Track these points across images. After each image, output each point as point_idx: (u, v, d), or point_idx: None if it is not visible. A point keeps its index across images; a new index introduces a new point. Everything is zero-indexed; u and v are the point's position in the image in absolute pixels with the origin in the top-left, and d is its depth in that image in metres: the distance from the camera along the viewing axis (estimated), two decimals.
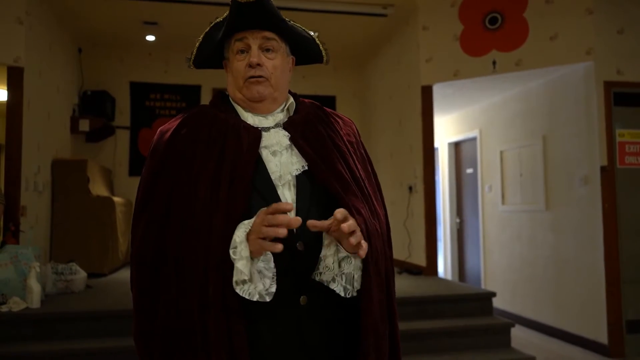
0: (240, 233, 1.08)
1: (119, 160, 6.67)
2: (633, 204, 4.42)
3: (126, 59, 6.72)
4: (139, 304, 1.21)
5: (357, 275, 1.15)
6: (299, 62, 1.40)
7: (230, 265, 1.07)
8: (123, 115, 6.71)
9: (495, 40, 4.87)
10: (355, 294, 1.16)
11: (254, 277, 1.07)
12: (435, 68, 5.18)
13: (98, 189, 5.59)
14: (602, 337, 4.32)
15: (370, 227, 1.17)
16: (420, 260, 5.25)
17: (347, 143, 1.32)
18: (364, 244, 1.07)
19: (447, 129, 7.30)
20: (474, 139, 6.61)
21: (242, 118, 1.28)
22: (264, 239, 1.03)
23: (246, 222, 1.09)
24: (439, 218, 7.12)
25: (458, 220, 7.13)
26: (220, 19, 1.33)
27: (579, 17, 4.53)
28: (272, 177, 1.19)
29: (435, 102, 5.48)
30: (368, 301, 1.14)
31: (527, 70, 4.75)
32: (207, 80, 6.98)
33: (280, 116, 1.30)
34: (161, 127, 1.30)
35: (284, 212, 1.02)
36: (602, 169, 4.38)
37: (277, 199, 1.16)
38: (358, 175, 1.26)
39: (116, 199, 5.54)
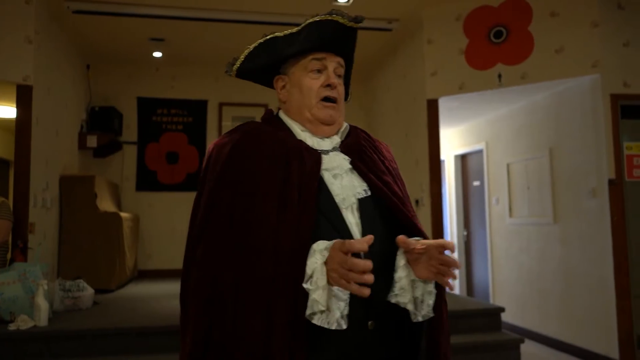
0: (313, 262, 1.05)
1: (127, 175, 6.71)
2: None
3: (133, 74, 6.79)
4: (194, 325, 1.12)
5: (429, 300, 1.14)
6: None
7: (301, 294, 1.04)
8: (130, 130, 6.76)
9: (501, 54, 4.88)
10: (420, 318, 1.14)
11: (330, 304, 1.04)
12: (440, 81, 5.18)
13: (105, 204, 5.62)
14: (614, 352, 4.27)
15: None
16: None
17: (391, 168, 1.34)
18: (454, 277, 1.09)
19: (453, 142, 7.29)
20: (480, 152, 6.59)
21: (299, 138, 1.27)
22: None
23: (317, 248, 1.06)
24: (446, 231, 7.08)
25: (465, 233, 7.09)
26: (281, 34, 1.32)
27: (584, 30, 4.53)
28: (336, 199, 1.18)
29: (441, 115, 5.49)
30: (441, 328, 1.15)
31: (533, 83, 4.75)
32: (214, 95, 7.03)
33: (336, 139, 1.31)
34: (216, 142, 1.28)
35: (360, 251, 0.99)
36: (610, 181, 4.35)
37: (343, 222, 1.16)
38: (407, 198, 1.30)
39: (123, 214, 5.56)
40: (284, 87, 1.33)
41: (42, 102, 4.71)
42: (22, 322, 3.40)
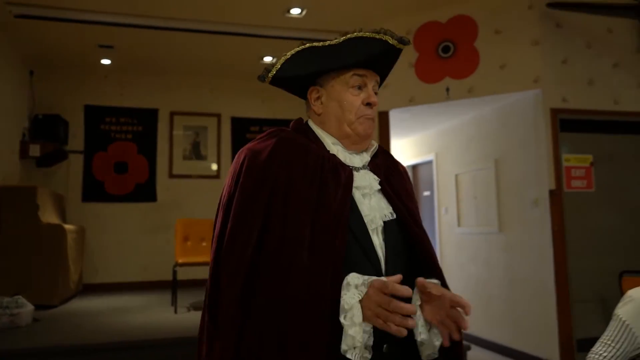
0: (350, 297, 1.05)
1: (72, 185, 6.48)
2: (580, 225, 4.60)
3: (81, 82, 6.58)
4: (221, 340, 1.09)
5: (435, 341, 1.15)
6: None
7: (335, 324, 1.04)
8: (77, 139, 6.54)
9: (449, 68, 5.03)
10: (424, 358, 1.16)
11: (363, 339, 1.05)
12: (391, 94, 5.29)
13: (48, 216, 5.40)
14: (555, 356, 4.44)
15: (445, 282, 1.22)
16: None
17: (411, 189, 1.37)
18: (457, 338, 1.09)
19: (404, 152, 7.44)
20: (430, 162, 6.75)
21: (332, 151, 1.26)
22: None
23: (352, 281, 1.06)
24: None
25: None
26: (319, 44, 1.30)
27: (526, 47, 4.74)
28: (365, 219, 1.18)
29: (393, 126, 5.59)
30: None
31: (479, 97, 4.92)
32: (165, 104, 6.91)
33: (366, 157, 1.31)
34: (249, 147, 1.24)
35: (405, 296, 0.99)
36: (551, 192, 4.55)
37: (371, 244, 1.16)
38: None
39: (67, 226, 5.35)
40: (318, 98, 1.31)
41: None
42: None
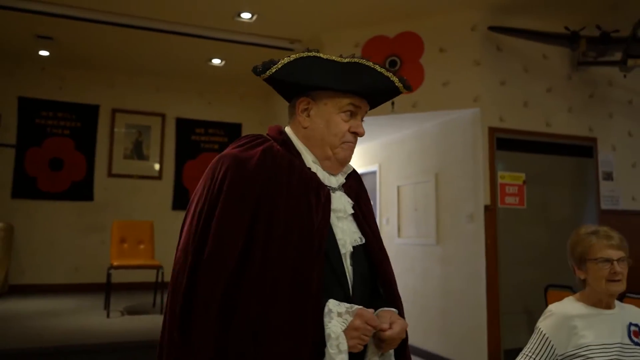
0: (335, 325, 1.07)
1: (2, 180, 6.14)
2: (511, 240, 4.82)
3: (15, 72, 6.27)
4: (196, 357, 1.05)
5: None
6: None
7: (314, 350, 1.06)
8: (9, 132, 6.22)
9: None
10: None
11: None
12: None
13: None
14: None
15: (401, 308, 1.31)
16: None
17: (373, 212, 1.39)
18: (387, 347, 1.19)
19: (351, 161, 7.53)
20: (374, 173, 6.88)
21: (309, 166, 1.26)
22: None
23: (334, 309, 1.09)
24: None
25: None
26: (324, 56, 1.28)
27: (468, 67, 4.93)
28: (338, 243, 1.19)
29: None
30: None
31: (422, 112, 5.07)
32: (107, 101, 6.69)
33: (341, 178, 1.33)
34: (231, 154, 1.19)
35: (379, 329, 1.11)
36: (486, 207, 4.75)
37: (343, 269, 1.17)
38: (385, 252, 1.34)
39: None
40: (306, 110, 1.29)
41: None
42: None
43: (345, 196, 1.27)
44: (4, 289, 5.56)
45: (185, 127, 7.09)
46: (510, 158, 4.94)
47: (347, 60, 1.28)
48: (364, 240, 1.24)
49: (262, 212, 1.12)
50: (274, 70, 1.25)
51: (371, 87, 1.27)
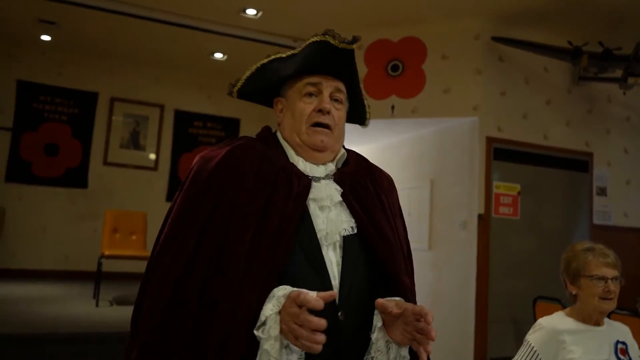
0: (269, 309, 0.98)
1: None
2: (503, 250, 4.85)
3: (15, 55, 6.23)
4: (146, 342, 1.05)
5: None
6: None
7: (255, 340, 0.98)
8: (5, 115, 6.18)
9: (396, 87, 5.17)
10: None
11: (282, 356, 0.98)
12: None
13: None
14: None
15: (411, 299, 1.16)
16: None
17: (389, 199, 1.28)
18: (429, 351, 1.02)
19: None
20: None
21: (292, 161, 1.20)
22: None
23: (277, 292, 1.00)
24: None
25: None
26: (284, 55, 1.26)
27: (469, 75, 4.95)
28: (318, 235, 1.11)
29: None
30: None
31: (422, 118, 5.08)
32: (106, 89, 6.67)
33: (331, 166, 1.24)
34: (203, 154, 1.19)
35: (315, 308, 0.91)
36: (480, 216, 4.77)
37: (321, 259, 1.09)
38: (399, 236, 1.25)
39: None
40: (281, 110, 1.27)
41: None
42: None
43: (334, 185, 1.18)
44: None
45: (183, 119, 7.07)
46: (506, 168, 4.96)
47: (302, 46, 1.24)
48: (355, 230, 1.14)
49: (222, 207, 1.09)
50: (239, 86, 1.27)
51: (313, 59, 1.20)
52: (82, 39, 5.98)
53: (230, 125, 7.20)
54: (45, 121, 6.36)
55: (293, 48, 4.65)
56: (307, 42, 1.22)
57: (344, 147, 1.32)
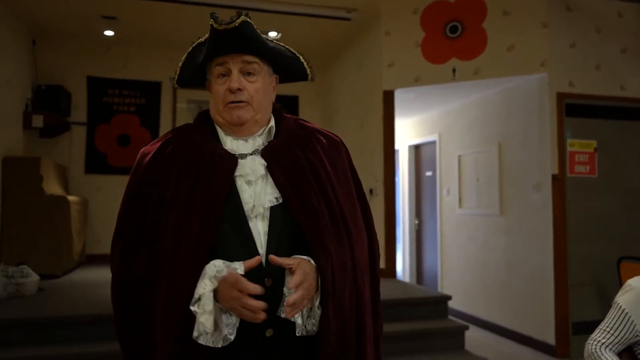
0: (202, 287, 1.09)
1: (75, 157, 6.48)
2: (581, 211, 4.62)
3: (83, 53, 6.52)
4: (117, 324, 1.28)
5: (313, 317, 1.17)
6: (283, 79, 1.39)
7: (191, 313, 1.11)
8: (79, 110, 6.52)
9: (455, 49, 4.98)
10: (305, 333, 1.17)
11: (220, 324, 1.11)
12: (396, 73, 5.26)
13: (52, 187, 5.42)
14: (550, 338, 4.51)
15: (335, 267, 1.17)
16: (380, 262, 5.33)
17: (327, 167, 1.29)
18: (290, 312, 1.10)
19: (407, 132, 7.42)
20: (433, 143, 6.75)
21: (222, 140, 1.28)
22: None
23: (209, 272, 1.11)
24: (399, 219, 7.24)
25: (417, 222, 7.27)
26: (202, 39, 1.31)
27: (534, 30, 4.69)
28: (245, 207, 1.19)
29: (397, 105, 5.57)
30: (326, 344, 1.15)
31: (485, 79, 4.88)
32: (167, 77, 6.84)
33: (259, 140, 1.29)
34: (143, 149, 1.32)
35: (255, 293, 1.09)
36: (554, 177, 4.56)
37: (248, 231, 1.18)
38: (335, 205, 1.24)
39: (71, 197, 5.38)
40: (210, 92, 1.33)
41: None
42: None
43: (259, 159, 1.23)
44: (82, 258, 5.93)
45: None
46: (580, 125, 4.70)
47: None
48: (280, 200, 1.20)
49: (154, 196, 1.21)
50: (176, 77, 1.33)
51: (214, 42, 1.23)
52: (142, 31, 6.17)
53: (290, 103, 7.24)
54: (115, 113, 6.66)
55: (347, 19, 4.56)
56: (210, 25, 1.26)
57: (281, 115, 1.35)
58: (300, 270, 1.11)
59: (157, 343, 1.13)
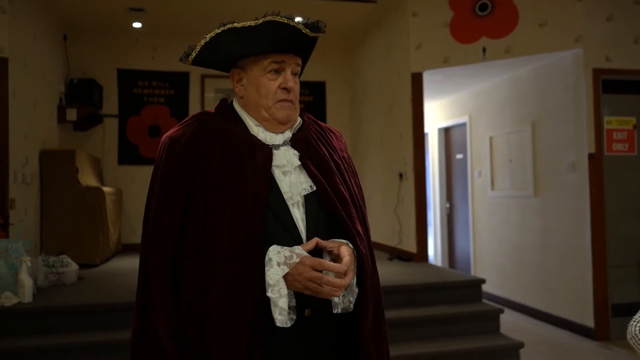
0: (274, 273, 1.15)
1: (108, 148, 6.61)
2: (620, 190, 4.49)
3: (112, 45, 6.62)
4: (157, 318, 1.20)
5: (349, 296, 1.27)
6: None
7: (260, 294, 1.15)
8: (111, 103, 6.64)
9: (485, 27, 4.86)
10: (340, 310, 1.25)
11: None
12: (425, 55, 5.16)
13: (87, 179, 5.55)
14: (589, 321, 4.42)
15: (364, 249, 1.28)
16: (411, 246, 5.30)
17: (342, 159, 1.40)
18: (337, 292, 1.18)
19: (437, 115, 7.31)
20: (463, 125, 6.63)
21: (252, 132, 1.31)
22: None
23: (274, 258, 1.16)
24: (429, 203, 7.16)
25: (448, 205, 7.19)
26: (239, 25, 1.28)
27: (568, 4, 4.53)
28: (285, 196, 1.25)
29: (425, 88, 5.48)
30: (364, 318, 1.26)
31: (517, 57, 4.75)
32: (195, 68, 6.90)
33: (288, 133, 1.34)
34: (169, 135, 1.30)
35: (333, 271, 1.17)
36: (590, 156, 4.43)
37: (290, 218, 1.25)
38: (354, 192, 1.37)
39: (106, 188, 5.51)
40: (240, 80, 1.33)
41: (18, 74, 4.59)
42: (6, 299, 3.39)
43: (292, 150, 1.30)
44: (118, 247, 6.08)
45: None
46: (617, 101, 4.54)
47: (260, 21, 1.26)
48: (314, 188, 1.27)
49: (198, 184, 1.21)
50: (194, 55, 1.31)
51: (283, 41, 1.25)
52: (169, 22, 6.22)
53: (317, 89, 7.21)
54: (145, 105, 6.75)
55: (372, 1, 4.49)
56: (269, 19, 1.24)
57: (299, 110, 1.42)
58: (348, 254, 1.21)
59: (216, 337, 1.15)
